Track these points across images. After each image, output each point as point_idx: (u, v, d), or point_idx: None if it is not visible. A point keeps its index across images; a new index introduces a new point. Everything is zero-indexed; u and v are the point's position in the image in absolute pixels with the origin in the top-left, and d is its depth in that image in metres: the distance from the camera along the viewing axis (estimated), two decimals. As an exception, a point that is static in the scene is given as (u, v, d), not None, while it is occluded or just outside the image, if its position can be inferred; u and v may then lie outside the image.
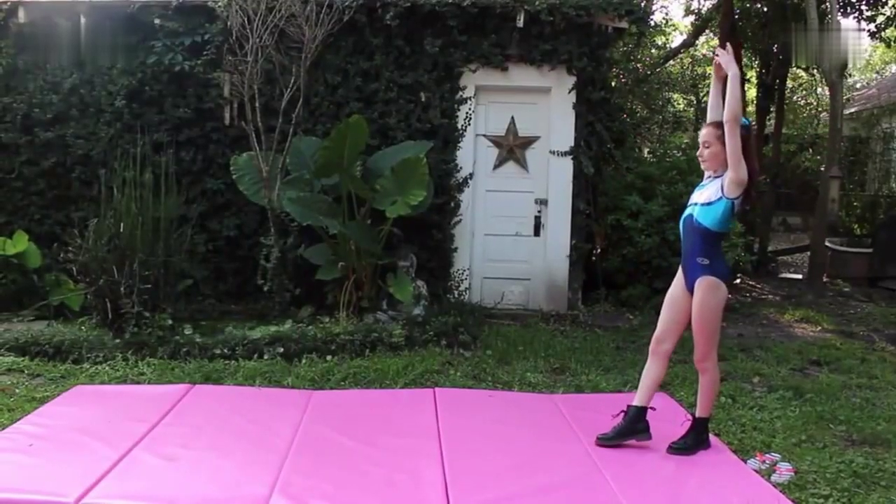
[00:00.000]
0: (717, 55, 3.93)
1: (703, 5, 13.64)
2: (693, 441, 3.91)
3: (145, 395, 4.67)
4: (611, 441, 3.94)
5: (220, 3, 6.84)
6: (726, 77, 3.81)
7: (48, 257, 6.95)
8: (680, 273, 3.96)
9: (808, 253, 10.92)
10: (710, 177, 3.89)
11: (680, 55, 14.51)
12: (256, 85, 6.62)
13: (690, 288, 3.84)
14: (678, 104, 16.08)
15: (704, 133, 3.89)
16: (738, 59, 11.81)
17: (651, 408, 3.99)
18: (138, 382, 5.11)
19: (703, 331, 3.82)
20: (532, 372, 5.50)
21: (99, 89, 7.34)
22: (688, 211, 3.91)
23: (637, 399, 3.98)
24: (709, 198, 3.79)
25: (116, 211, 6.18)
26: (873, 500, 3.52)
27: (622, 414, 3.99)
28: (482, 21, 7.26)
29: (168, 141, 7.24)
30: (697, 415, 3.96)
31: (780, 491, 3.52)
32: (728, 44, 4.11)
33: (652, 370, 3.98)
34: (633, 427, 3.94)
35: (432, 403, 4.54)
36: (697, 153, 3.98)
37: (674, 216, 7.49)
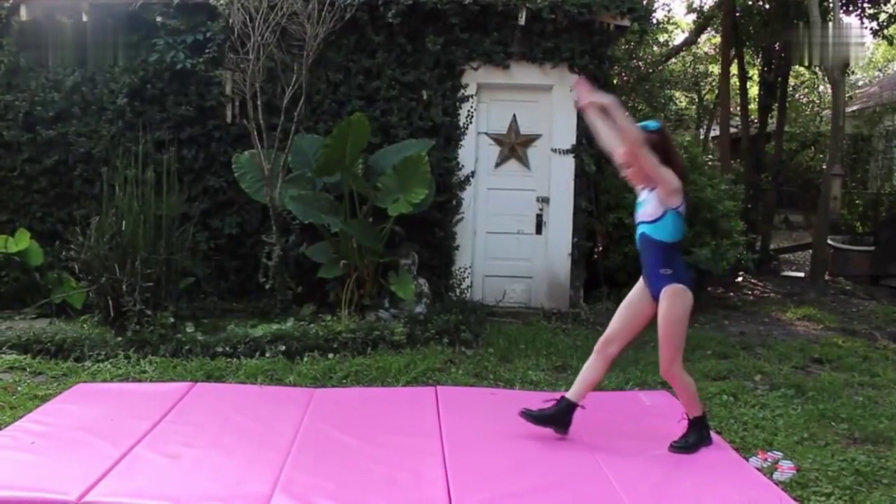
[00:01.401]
0: (576, 97, 3.91)
1: (705, 3, 13.62)
2: (694, 439, 3.92)
3: (147, 393, 4.67)
4: (532, 419, 3.95)
5: (221, 1, 6.83)
6: (601, 106, 3.83)
7: (50, 255, 6.97)
8: (641, 281, 3.96)
9: (810, 251, 10.92)
10: (643, 189, 3.90)
11: (682, 53, 14.50)
12: (258, 83, 6.62)
13: (656, 297, 3.84)
14: (680, 102, 16.09)
15: (619, 156, 3.90)
16: (740, 58, 11.85)
17: (582, 406, 4.00)
18: (140, 380, 5.11)
19: (669, 339, 3.82)
20: (534, 370, 5.50)
21: (101, 87, 7.35)
22: (639, 230, 3.91)
23: (572, 393, 3.98)
24: (653, 214, 3.80)
25: (118, 209, 6.19)
26: (875, 498, 3.51)
27: (555, 402, 3.99)
28: (484, 19, 7.26)
29: (170, 139, 7.24)
30: (690, 415, 3.96)
31: (783, 489, 3.52)
32: (580, 76, 4.06)
33: (593, 370, 3.98)
34: (560, 418, 3.95)
35: (434, 402, 4.54)
36: (622, 174, 3.98)
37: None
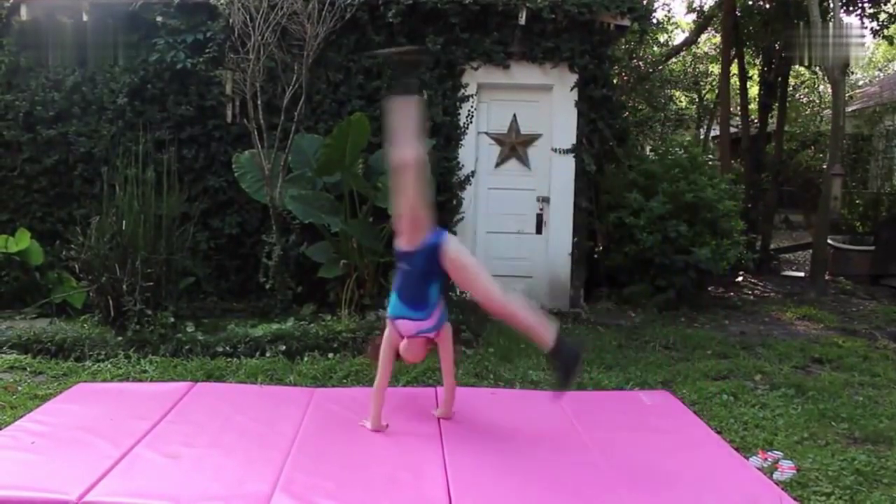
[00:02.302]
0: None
1: (705, 3, 13.61)
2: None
3: (147, 392, 4.67)
4: (565, 382, 3.80)
5: (221, 1, 6.83)
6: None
7: (50, 255, 6.97)
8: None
9: (811, 251, 10.91)
10: None
11: (682, 53, 14.50)
12: (258, 82, 6.62)
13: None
14: (680, 102, 16.06)
15: None
16: (740, 58, 11.85)
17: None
18: (140, 380, 5.12)
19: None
20: (534, 370, 5.49)
21: (101, 87, 7.35)
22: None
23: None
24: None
25: (118, 209, 6.19)
26: (875, 498, 3.51)
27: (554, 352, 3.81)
28: (484, 19, 7.26)
29: (170, 139, 7.25)
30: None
31: (783, 489, 3.52)
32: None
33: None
34: (562, 360, 3.76)
35: (434, 402, 4.54)
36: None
37: (676, 214, 7.50)
